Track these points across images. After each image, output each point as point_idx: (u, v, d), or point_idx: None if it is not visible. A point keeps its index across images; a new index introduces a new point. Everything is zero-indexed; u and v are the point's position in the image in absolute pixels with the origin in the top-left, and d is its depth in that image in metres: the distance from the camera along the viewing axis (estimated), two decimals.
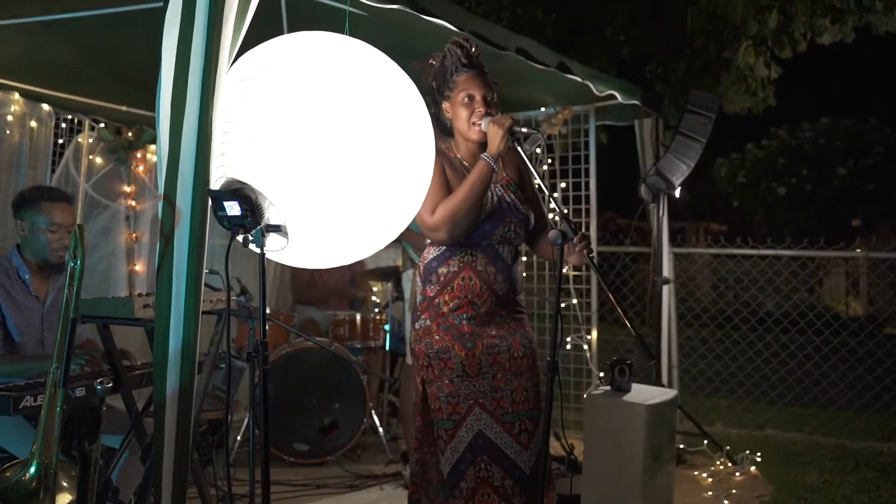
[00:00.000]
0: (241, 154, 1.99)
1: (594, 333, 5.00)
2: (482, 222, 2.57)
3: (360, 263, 5.86)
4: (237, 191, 1.98)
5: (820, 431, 5.22)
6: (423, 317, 2.65)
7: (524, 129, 2.54)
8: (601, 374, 4.80)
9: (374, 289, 6.10)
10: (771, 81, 6.06)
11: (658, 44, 6.34)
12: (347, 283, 5.63)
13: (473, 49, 2.68)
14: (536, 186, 2.68)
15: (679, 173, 4.44)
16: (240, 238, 2.10)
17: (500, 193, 2.65)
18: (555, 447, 4.24)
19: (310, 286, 5.59)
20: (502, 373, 2.59)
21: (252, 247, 2.11)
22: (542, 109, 5.04)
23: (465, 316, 2.58)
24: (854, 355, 5.66)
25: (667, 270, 4.86)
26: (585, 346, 4.96)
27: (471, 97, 2.60)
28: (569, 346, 5.00)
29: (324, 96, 1.99)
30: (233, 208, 1.98)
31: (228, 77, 2.09)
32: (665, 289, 4.67)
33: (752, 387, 5.87)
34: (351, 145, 2.01)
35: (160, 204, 2.05)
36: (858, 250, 5.33)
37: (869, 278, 11.58)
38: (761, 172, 17.84)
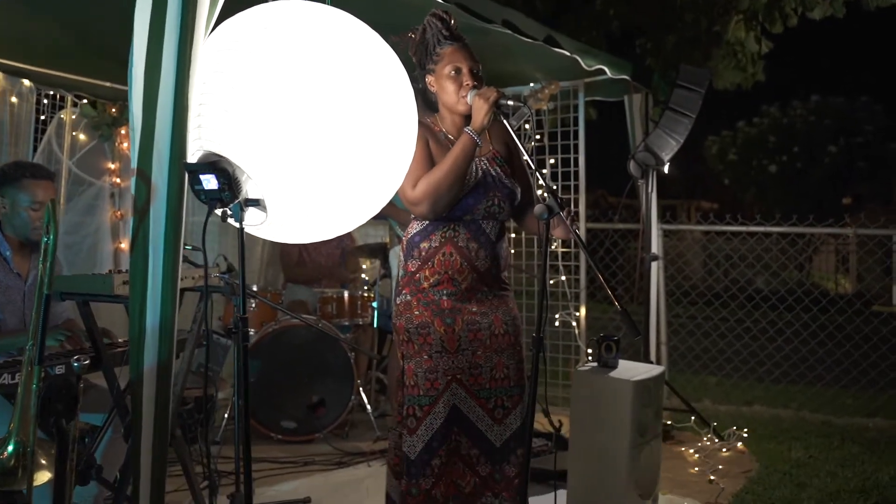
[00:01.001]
0: (218, 126, 1.95)
1: (582, 310, 4.99)
2: (465, 196, 2.54)
3: (350, 240, 5.83)
4: (214, 164, 1.94)
5: (807, 408, 5.24)
6: (403, 292, 2.63)
7: (510, 103, 2.51)
8: (589, 350, 4.80)
9: (364, 266, 6.07)
10: (761, 57, 6.01)
11: (648, 18, 6.27)
12: (337, 261, 5.60)
13: (453, 21, 2.64)
14: (524, 160, 2.64)
15: (668, 149, 4.41)
16: (219, 213, 2.06)
17: (485, 167, 2.62)
18: (543, 423, 4.24)
19: (299, 265, 5.56)
20: (482, 349, 2.57)
21: (231, 221, 2.08)
22: (531, 85, 4.99)
23: (445, 292, 2.56)
24: (842, 332, 5.67)
25: (656, 247, 4.84)
26: (574, 323, 4.95)
27: (458, 70, 2.56)
28: (557, 324, 4.99)
29: (303, 67, 1.95)
30: (210, 182, 1.94)
31: (205, 47, 2.04)
32: (654, 265, 4.66)
33: (741, 364, 5.88)
34: (331, 117, 1.97)
35: (133, 179, 2.01)
36: (847, 227, 5.30)
37: (858, 255, 11.63)
38: (752, 150, 17.84)
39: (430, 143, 2.58)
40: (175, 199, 2.01)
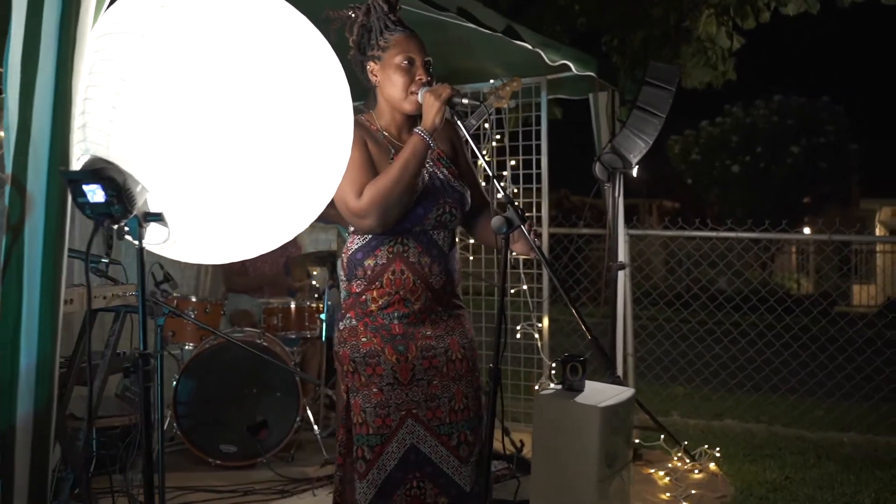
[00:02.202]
0: (105, 127, 1.60)
1: (545, 321, 4.70)
2: (414, 205, 2.23)
3: (296, 247, 5.47)
4: (99, 172, 1.59)
5: (780, 421, 5.02)
6: (348, 315, 2.30)
7: (465, 101, 2.20)
8: (553, 365, 4.51)
9: (314, 273, 5.71)
10: (732, 54, 5.79)
11: (614, 13, 6.01)
12: (282, 269, 5.24)
13: (398, 6, 2.32)
14: (480, 165, 2.32)
15: (636, 151, 4.14)
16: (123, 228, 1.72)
17: (431, 170, 2.31)
18: (504, 443, 3.95)
19: (241, 274, 5.19)
20: (439, 378, 2.27)
21: (129, 238, 1.73)
22: (491, 81, 4.68)
23: (396, 315, 2.25)
24: (807, 333, 5.49)
25: (622, 254, 4.58)
26: (536, 335, 4.66)
27: (410, 61, 2.24)
28: (518, 336, 4.69)
29: (211, 54, 1.61)
30: (95, 194, 1.59)
31: (95, 29, 1.70)
32: (620, 274, 4.39)
33: (710, 375, 5.65)
34: (245, 115, 1.63)
35: (7, 188, 1.65)
36: (808, 231, 5.12)
37: (820, 255, 11.56)
38: (715, 150, 17.81)
39: (369, 144, 2.26)
40: (56, 213, 1.67)
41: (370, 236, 2.28)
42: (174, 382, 4.07)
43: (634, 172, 4.20)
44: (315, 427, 4.30)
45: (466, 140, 2.22)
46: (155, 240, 1.72)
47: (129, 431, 3.59)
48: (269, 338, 4.34)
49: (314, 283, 5.59)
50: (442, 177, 2.32)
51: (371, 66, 2.30)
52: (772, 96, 17.45)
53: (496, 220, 2.04)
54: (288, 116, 1.68)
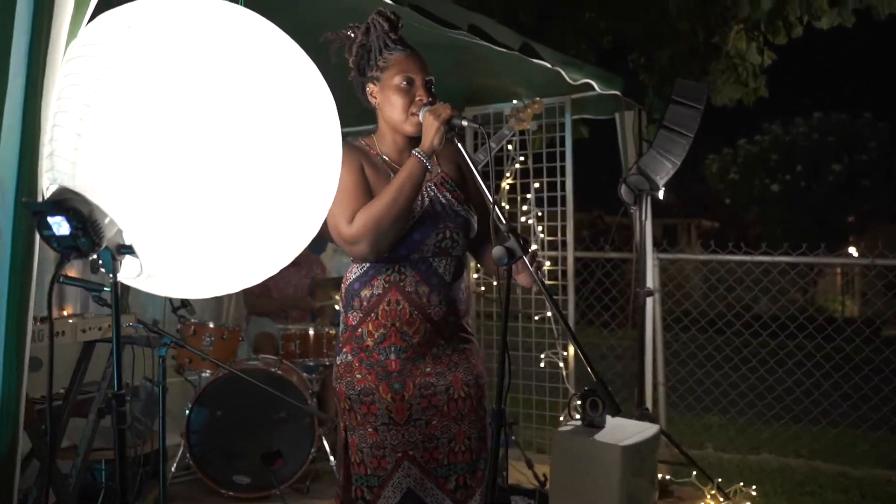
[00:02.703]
0: (71, 155, 1.50)
1: (570, 349, 4.52)
2: (411, 231, 2.11)
3: (321, 269, 5.38)
4: (62, 203, 1.49)
5: (820, 456, 4.74)
6: (344, 350, 2.19)
7: (464, 122, 2.07)
8: (574, 395, 4.33)
9: (336, 297, 5.62)
10: (763, 70, 5.58)
11: (640, 30, 5.84)
12: (305, 291, 5.15)
13: (401, 25, 2.21)
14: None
15: (663, 172, 3.98)
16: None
17: (432, 193, 2.19)
18: (528, 476, 3.78)
19: (263, 296, 5.11)
20: (438, 418, 2.14)
21: (104, 272, 1.63)
22: (514, 102, 4.55)
23: (393, 349, 2.13)
24: (850, 362, 5.20)
25: (651, 279, 4.40)
26: (561, 364, 4.48)
27: (409, 81, 2.13)
28: (542, 364, 4.52)
29: (181, 76, 1.50)
30: (60, 226, 1.49)
31: (67, 53, 1.61)
32: (649, 300, 4.20)
33: (745, 405, 5.38)
34: (219, 142, 1.52)
35: None
36: (854, 252, 4.85)
37: (865, 278, 11.15)
38: (754, 169, 17.41)
39: (366, 168, 2.15)
40: (22, 247, 1.58)
41: (368, 265, 2.17)
42: (187, 411, 3.98)
43: (661, 195, 4.02)
44: (331, 457, 4.17)
45: (463, 155, 2.09)
46: (128, 273, 1.62)
47: (138, 462, 3.51)
48: (287, 366, 4.24)
49: (336, 306, 5.49)
50: (444, 201, 2.20)
51: (370, 87, 2.20)
52: (811, 113, 17.03)
53: (497, 251, 1.90)
54: (267, 142, 1.56)
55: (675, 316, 5.51)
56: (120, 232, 1.57)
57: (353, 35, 2.20)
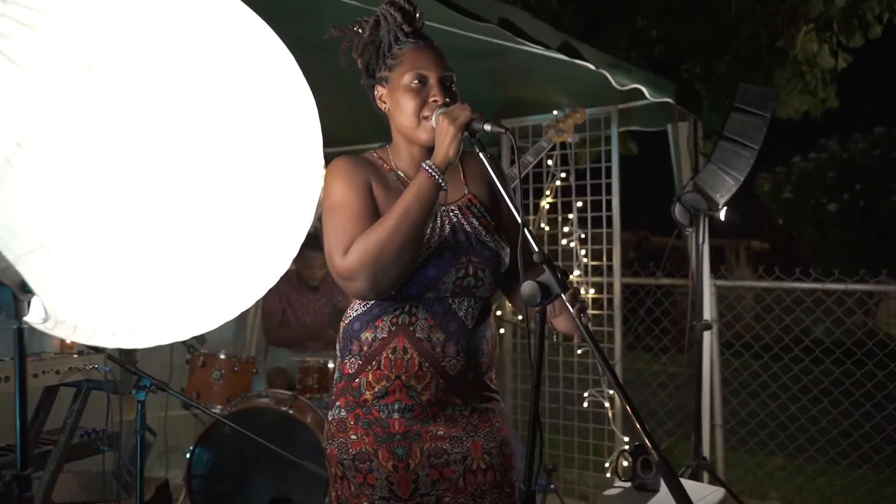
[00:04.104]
0: None
1: None
2: (424, 265, 1.70)
3: (343, 296, 4.99)
4: None
5: None
6: (337, 404, 1.79)
7: (488, 126, 1.65)
8: (623, 452, 3.84)
9: None
10: (833, 79, 5.03)
11: (696, 36, 5.35)
12: (325, 320, 4.76)
13: (418, 15, 1.81)
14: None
15: (724, 189, 3.50)
16: None
17: (455, 219, 1.78)
18: None
19: (283, 325, 4.74)
20: (452, 494, 1.73)
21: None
22: (555, 113, 4.13)
23: (396, 407, 1.72)
24: None
25: (708, 309, 3.90)
26: (607, 404, 4.01)
27: (422, 79, 1.73)
28: (586, 404, 4.06)
29: (105, 70, 1.12)
30: None
31: None
32: (706, 334, 3.71)
33: (807, 441, 4.77)
34: (147, 154, 1.13)
35: None
36: None
37: None
38: (809, 187, 16.60)
39: (375, 187, 1.75)
40: None
41: (371, 303, 1.76)
42: (188, 454, 3.61)
43: (722, 215, 3.55)
44: None
45: (491, 172, 1.67)
46: (34, 318, 1.24)
47: None
48: (301, 402, 3.84)
49: None
50: (469, 229, 1.77)
51: (379, 90, 1.81)
52: (871, 128, 16.19)
53: (527, 287, 1.48)
54: (209, 151, 1.17)
55: (723, 339, 4.96)
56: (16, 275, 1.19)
57: (361, 31, 1.82)
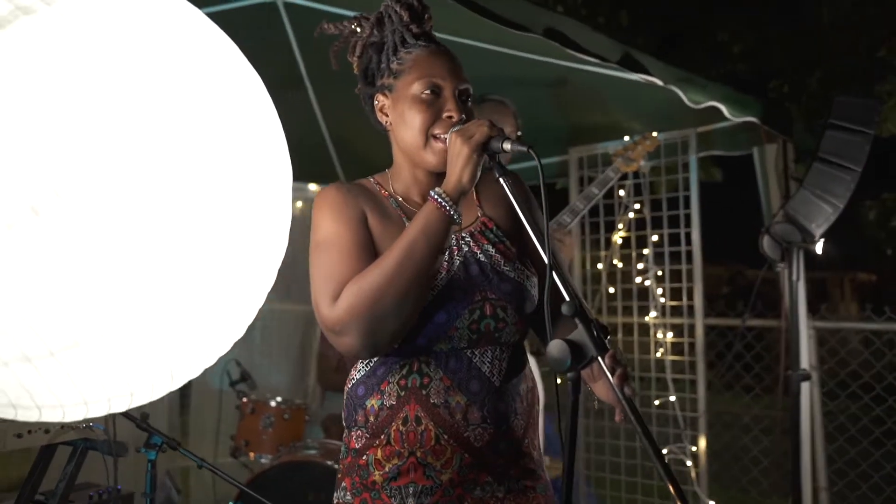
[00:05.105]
0: None
1: (702, 443, 3.59)
2: (431, 309, 1.40)
3: None
4: None
5: None
6: (343, 485, 1.49)
7: (507, 145, 1.35)
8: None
9: None
10: None
11: (785, 50, 4.89)
12: None
13: (427, 16, 1.53)
14: (538, 245, 1.42)
15: (820, 218, 3.05)
16: None
17: (466, 248, 1.47)
18: None
19: (340, 370, 4.49)
20: None
21: None
22: (626, 139, 3.78)
23: (411, 490, 1.41)
24: None
25: (806, 357, 3.42)
26: (689, 462, 3.56)
27: (435, 90, 1.44)
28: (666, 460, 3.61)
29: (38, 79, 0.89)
30: None
31: None
32: (804, 385, 3.23)
33: None
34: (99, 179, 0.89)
35: None
36: None
37: None
38: None
39: (371, 219, 1.46)
40: None
41: (375, 361, 1.47)
42: None
43: (819, 248, 3.10)
44: None
45: (516, 206, 1.36)
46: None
47: None
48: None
49: None
50: (484, 258, 1.46)
51: (380, 100, 1.52)
52: None
53: (555, 349, 1.16)
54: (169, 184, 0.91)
55: (826, 389, 4.36)
56: None
57: (358, 30, 1.55)
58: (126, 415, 2.20)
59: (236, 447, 3.89)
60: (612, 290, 4.00)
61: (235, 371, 4.01)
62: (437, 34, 1.54)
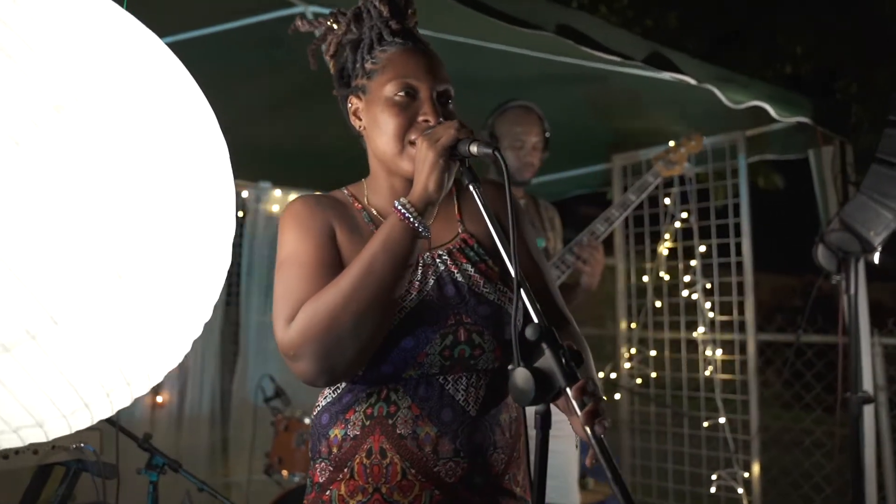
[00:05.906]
0: None
1: (755, 468, 3.34)
2: (398, 333, 1.27)
3: None
4: None
5: None
6: None
7: (474, 148, 1.21)
8: None
9: None
10: None
11: (850, 48, 4.56)
12: None
13: (411, 11, 1.41)
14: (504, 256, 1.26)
15: (880, 225, 2.79)
16: None
17: (443, 267, 1.34)
18: None
19: None
20: None
21: None
22: (671, 144, 3.57)
23: None
24: None
25: (869, 376, 3.15)
26: (741, 490, 3.31)
27: (410, 92, 1.32)
28: (714, 489, 3.38)
29: None
30: None
31: None
32: (867, 409, 2.96)
33: None
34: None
35: None
36: None
37: None
38: None
39: (340, 234, 1.34)
40: None
41: (343, 387, 1.35)
42: None
43: (877, 257, 2.83)
44: None
45: (485, 215, 1.21)
46: None
47: None
48: None
49: None
50: (462, 278, 1.32)
51: (354, 102, 1.41)
52: None
53: (518, 378, 1.02)
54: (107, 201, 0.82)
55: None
56: None
57: (335, 26, 1.43)
58: (129, 434, 2.14)
59: (270, 464, 3.83)
60: (658, 303, 3.78)
61: (270, 387, 3.95)
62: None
